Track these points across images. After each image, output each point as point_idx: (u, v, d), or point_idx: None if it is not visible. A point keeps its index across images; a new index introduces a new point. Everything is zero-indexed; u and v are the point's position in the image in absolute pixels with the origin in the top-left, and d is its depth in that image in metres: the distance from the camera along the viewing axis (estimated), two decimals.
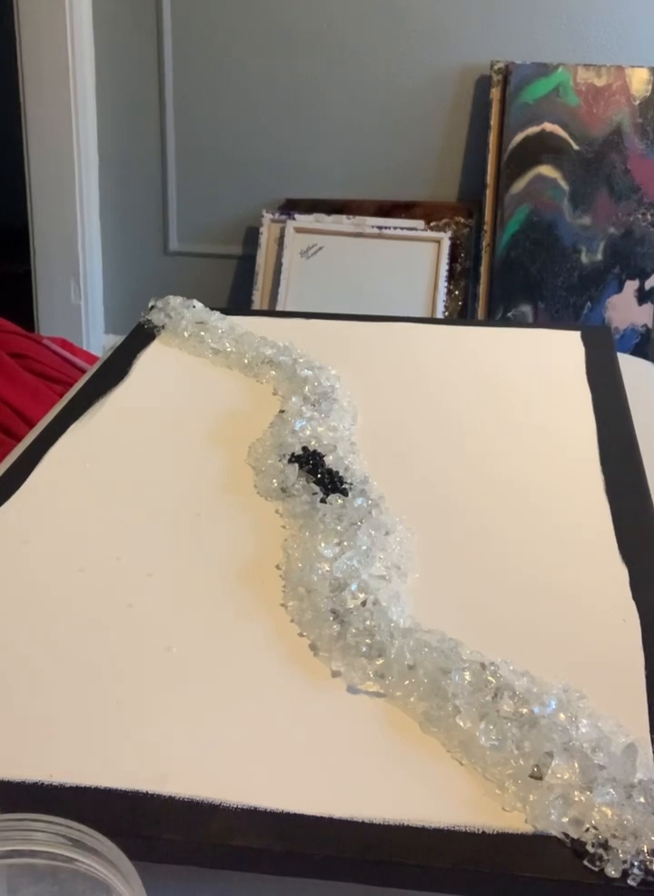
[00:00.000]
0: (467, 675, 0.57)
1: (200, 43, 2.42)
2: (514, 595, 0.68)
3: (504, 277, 2.32)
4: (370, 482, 0.79)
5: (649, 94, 2.22)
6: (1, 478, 0.83)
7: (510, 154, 2.27)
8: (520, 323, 2.22)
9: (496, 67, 2.27)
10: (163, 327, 1.12)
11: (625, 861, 0.47)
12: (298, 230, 2.37)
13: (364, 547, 0.69)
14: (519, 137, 2.26)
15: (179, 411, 0.97)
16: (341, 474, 0.79)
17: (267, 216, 2.40)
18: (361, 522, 0.72)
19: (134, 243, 2.61)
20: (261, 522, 0.77)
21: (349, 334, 1.15)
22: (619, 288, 2.30)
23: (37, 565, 0.72)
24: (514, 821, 0.50)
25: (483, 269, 2.33)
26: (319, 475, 0.79)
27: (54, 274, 2.58)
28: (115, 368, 1.05)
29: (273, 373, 1.02)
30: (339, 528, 0.71)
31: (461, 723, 0.55)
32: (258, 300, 2.41)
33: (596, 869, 0.47)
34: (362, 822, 0.50)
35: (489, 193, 2.30)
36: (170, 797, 0.51)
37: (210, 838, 0.49)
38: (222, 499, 0.80)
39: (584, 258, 2.29)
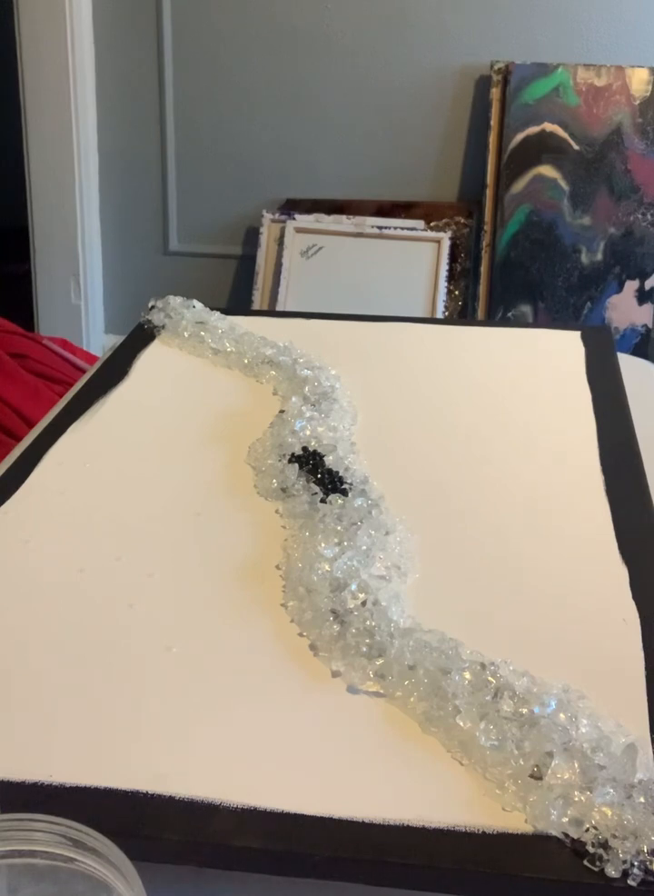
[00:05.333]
0: (467, 675, 0.57)
1: (200, 43, 2.42)
2: (514, 595, 0.68)
3: (504, 277, 2.32)
4: (370, 482, 0.79)
5: (648, 94, 2.22)
6: (1, 478, 0.83)
7: (510, 154, 2.27)
8: (520, 323, 2.22)
9: (496, 67, 2.27)
10: (163, 327, 1.12)
11: (625, 861, 0.47)
12: (298, 230, 2.37)
13: (364, 547, 0.69)
14: (519, 137, 2.26)
15: (179, 411, 0.97)
16: (341, 474, 0.79)
17: (267, 216, 2.40)
18: (361, 522, 0.72)
19: (134, 243, 2.61)
20: (261, 522, 0.77)
21: (349, 334, 1.15)
22: (619, 288, 2.30)
23: (37, 565, 0.72)
24: (514, 821, 0.50)
25: (483, 269, 2.33)
26: (319, 475, 0.78)
27: (54, 274, 2.58)
28: (115, 368, 1.05)
29: (273, 373, 1.02)
30: (339, 528, 0.71)
31: (461, 723, 0.55)
32: (258, 300, 2.41)
33: (596, 869, 0.47)
34: (362, 822, 0.50)
35: (489, 193, 2.30)
36: (170, 797, 0.51)
37: (210, 838, 0.49)
38: (222, 499, 0.80)
39: (584, 258, 2.29)
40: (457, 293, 2.36)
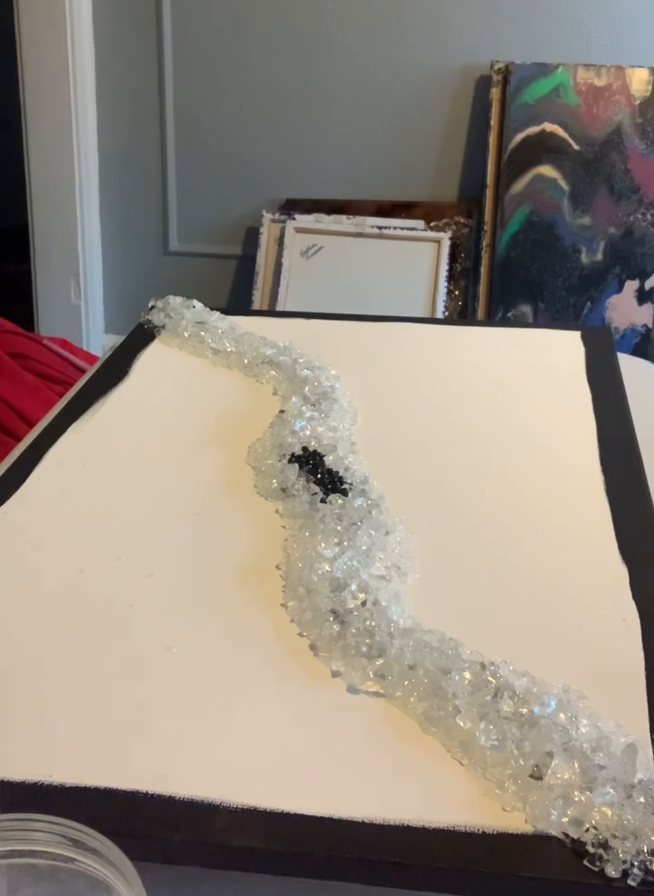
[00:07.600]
0: (467, 675, 0.57)
1: (200, 43, 2.42)
2: (514, 595, 0.68)
3: (504, 277, 2.32)
4: (370, 482, 0.79)
5: (648, 94, 2.22)
6: (1, 478, 0.83)
7: (510, 154, 2.27)
8: (520, 323, 2.22)
9: (496, 67, 2.26)
10: (163, 327, 1.12)
11: (625, 861, 0.47)
12: (298, 230, 2.37)
13: (364, 547, 0.69)
14: (519, 137, 2.26)
15: (179, 411, 0.97)
16: (341, 474, 0.79)
17: (267, 216, 2.40)
18: (361, 522, 0.72)
19: (134, 243, 2.61)
20: (261, 522, 0.77)
21: (349, 334, 1.15)
22: (619, 288, 2.30)
23: (37, 565, 0.72)
24: (514, 821, 0.50)
25: (483, 269, 2.33)
26: (319, 475, 0.79)
27: (54, 274, 2.58)
28: (115, 368, 1.05)
29: (273, 373, 1.02)
30: (339, 528, 0.71)
31: (461, 723, 0.55)
32: (258, 300, 2.41)
33: (596, 869, 0.47)
34: (362, 822, 0.50)
35: (489, 193, 2.30)
36: (170, 797, 0.51)
37: (210, 838, 0.49)
38: (223, 499, 0.80)
39: (584, 258, 2.29)
40: (457, 293, 2.36)
